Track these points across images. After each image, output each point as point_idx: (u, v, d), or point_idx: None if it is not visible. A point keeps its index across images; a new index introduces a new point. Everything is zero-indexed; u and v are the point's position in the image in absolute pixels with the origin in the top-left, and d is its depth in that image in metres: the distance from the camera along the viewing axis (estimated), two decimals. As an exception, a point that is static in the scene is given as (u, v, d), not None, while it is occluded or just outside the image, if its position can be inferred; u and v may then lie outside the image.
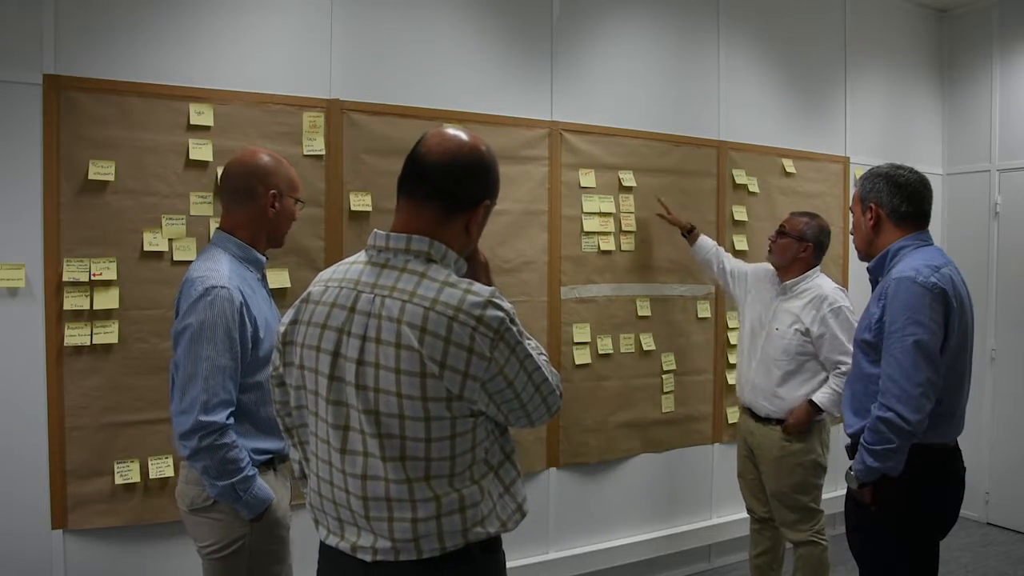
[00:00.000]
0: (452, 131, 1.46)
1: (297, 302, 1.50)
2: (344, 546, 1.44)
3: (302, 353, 1.44)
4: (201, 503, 1.93)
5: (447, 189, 1.42)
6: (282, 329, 1.50)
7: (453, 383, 1.32)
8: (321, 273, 1.54)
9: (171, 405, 2.01)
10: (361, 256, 1.47)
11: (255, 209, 2.02)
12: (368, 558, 1.41)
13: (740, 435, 3.24)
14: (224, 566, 1.94)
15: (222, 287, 1.87)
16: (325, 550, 1.52)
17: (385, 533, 1.39)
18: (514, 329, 1.37)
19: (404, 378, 1.32)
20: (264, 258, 2.08)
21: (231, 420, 1.87)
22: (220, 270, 1.91)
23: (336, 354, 1.39)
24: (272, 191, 2.02)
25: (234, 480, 1.85)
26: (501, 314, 1.34)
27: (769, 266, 3.18)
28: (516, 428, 1.49)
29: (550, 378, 1.45)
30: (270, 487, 1.96)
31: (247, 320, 1.92)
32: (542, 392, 1.43)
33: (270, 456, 2.01)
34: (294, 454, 1.58)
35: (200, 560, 1.99)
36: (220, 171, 2.17)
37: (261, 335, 1.96)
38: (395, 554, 1.39)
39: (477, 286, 1.36)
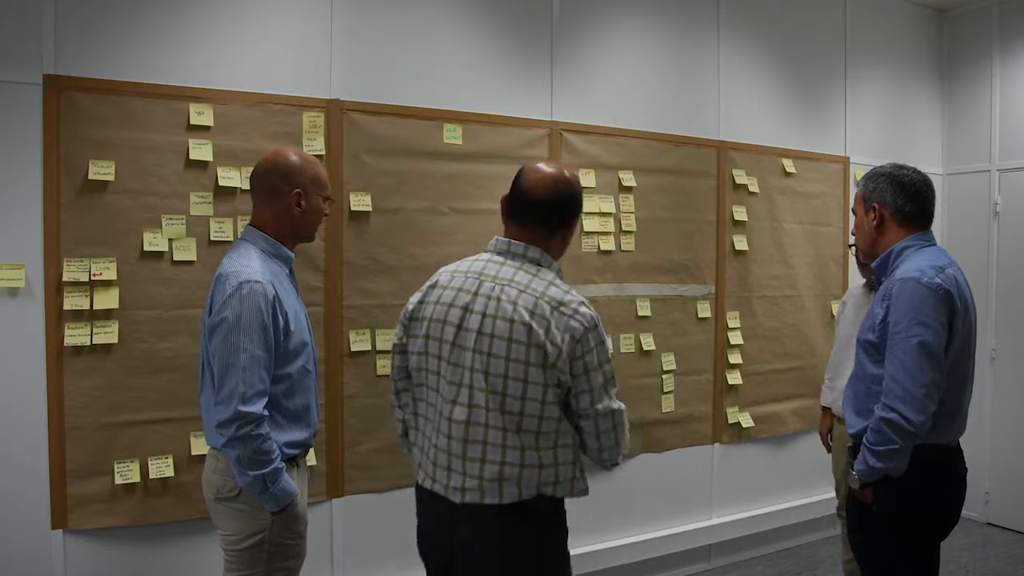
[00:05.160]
0: (546, 168, 1.83)
1: (425, 287, 1.86)
2: (438, 488, 1.75)
3: (428, 326, 1.79)
4: (226, 493, 1.98)
5: (550, 216, 1.81)
6: (410, 307, 1.86)
7: (551, 354, 1.65)
8: (446, 266, 1.89)
9: (200, 397, 2.08)
10: (483, 255, 1.83)
11: (280, 207, 2.07)
12: (458, 499, 1.71)
13: (839, 444, 3.16)
14: (244, 557, 1.98)
15: (255, 281, 1.93)
16: (421, 493, 1.83)
17: (475, 473, 1.69)
18: (601, 329, 1.71)
19: (514, 346, 1.67)
20: (292, 254, 2.14)
21: (266, 411, 1.92)
22: (252, 265, 1.97)
23: (459, 327, 1.73)
24: (296, 190, 2.06)
25: (264, 471, 1.90)
26: (593, 312, 1.71)
27: (860, 283, 3.22)
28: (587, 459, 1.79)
29: (624, 414, 1.75)
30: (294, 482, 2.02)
31: (279, 314, 1.97)
32: (614, 424, 1.73)
33: (297, 450, 2.07)
34: (399, 414, 1.94)
35: (213, 555, 2.04)
36: (218, 170, 2.12)
37: (292, 328, 2.02)
38: (480, 495, 1.69)
39: (575, 290, 1.75)
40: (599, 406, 1.70)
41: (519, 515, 1.70)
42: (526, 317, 1.67)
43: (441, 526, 1.78)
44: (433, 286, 1.84)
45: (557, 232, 1.83)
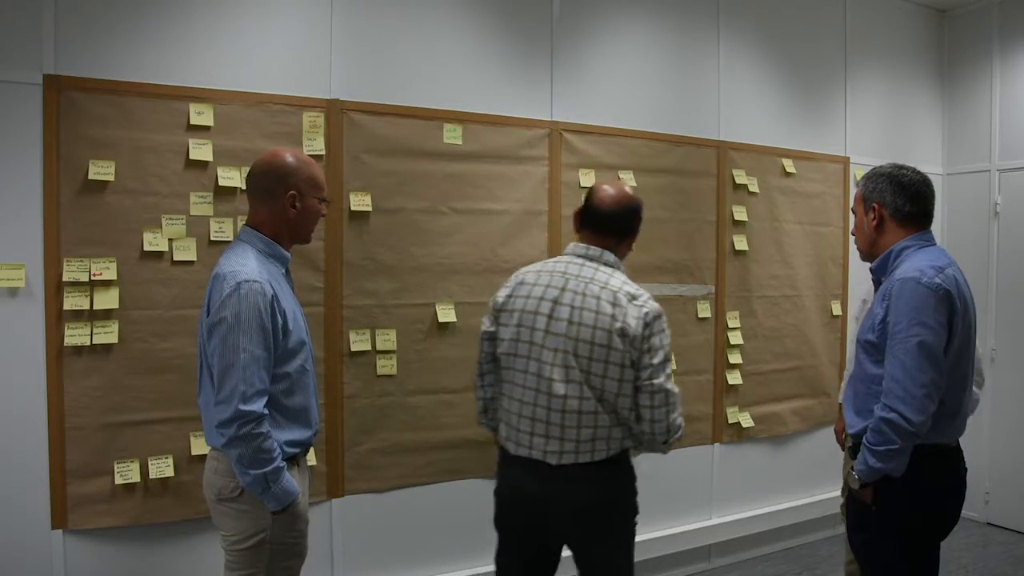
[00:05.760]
0: (613, 187, 2.22)
1: (512, 283, 2.22)
2: (535, 454, 2.08)
3: (521, 316, 2.13)
4: (228, 493, 1.98)
5: (619, 228, 2.21)
6: (500, 300, 2.21)
7: (624, 335, 2.02)
8: (528, 267, 2.25)
9: (199, 398, 2.08)
10: (563, 258, 2.20)
11: (276, 208, 2.07)
12: (554, 461, 2.06)
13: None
14: (246, 557, 1.99)
15: (253, 281, 1.93)
16: (513, 460, 2.14)
17: (572, 438, 2.04)
18: (665, 320, 2.07)
19: (598, 332, 2.03)
20: (288, 254, 2.14)
21: (266, 410, 1.92)
22: (250, 265, 1.97)
23: (550, 316, 2.08)
24: (291, 192, 2.06)
25: (266, 470, 1.90)
26: (660, 308, 2.08)
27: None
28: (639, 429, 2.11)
29: (677, 397, 2.07)
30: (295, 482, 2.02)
31: (277, 313, 1.97)
32: (668, 402, 2.05)
33: (298, 449, 2.08)
34: (481, 393, 2.30)
35: (213, 555, 2.04)
36: (218, 170, 2.14)
37: (290, 327, 2.02)
38: (575, 456, 2.05)
39: (644, 289, 2.12)
40: (655, 381, 2.02)
41: (608, 469, 2.09)
42: (608, 308, 2.04)
43: (537, 486, 2.09)
44: (521, 283, 2.19)
45: (624, 240, 2.23)
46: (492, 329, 2.22)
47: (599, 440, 2.06)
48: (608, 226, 2.19)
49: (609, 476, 2.10)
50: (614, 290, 2.06)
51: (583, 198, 2.26)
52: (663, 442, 2.08)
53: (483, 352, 2.26)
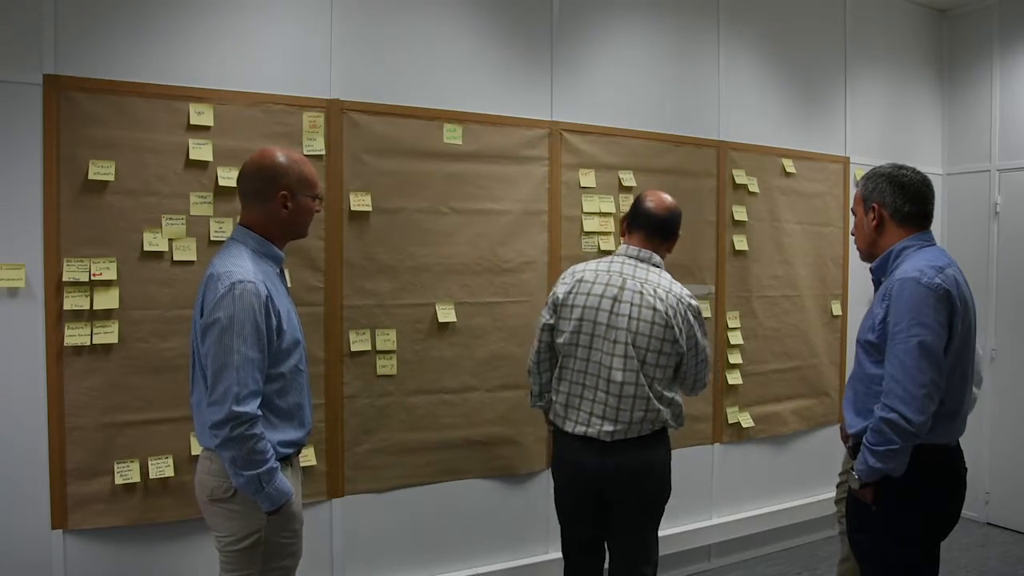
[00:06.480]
0: (658, 196, 2.54)
1: (571, 280, 2.50)
2: (592, 432, 2.41)
3: (583, 311, 2.43)
4: (221, 494, 1.97)
5: (667, 232, 2.54)
6: (560, 296, 2.50)
7: (675, 331, 2.39)
8: (584, 265, 2.54)
9: (191, 397, 2.07)
10: (617, 258, 2.51)
11: (268, 209, 2.06)
12: (608, 439, 2.39)
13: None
14: (240, 558, 1.99)
15: (248, 282, 1.92)
16: (572, 438, 2.45)
17: (625, 419, 2.38)
18: (703, 317, 2.50)
19: (655, 327, 2.38)
20: (282, 254, 2.14)
21: (259, 411, 1.91)
22: (244, 266, 1.96)
23: (611, 312, 2.40)
24: (283, 192, 2.05)
25: (259, 471, 1.90)
26: (699, 305, 2.49)
27: None
28: (679, 391, 2.53)
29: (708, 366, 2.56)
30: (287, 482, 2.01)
31: (272, 313, 1.97)
32: (706, 363, 2.53)
33: (291, 449, 2.07)
34: (537, 378, 2.59)
35: (213, 555, 2.03)
36: (218, 170, 2.13)
37: (284, 327, 2.01)
38: (625, 433, 2.39)
39: (687, 288, 2.49)
40: (701, 364, 2.49)
41: (650, 442, 2.43)
42: (662, 307, 2.38)
43: (595, 459, 2.41)
44: (581, 280, 2.48)
45: (667, 242, 2.55)
46: (552, 321, 2.52)
47: (647, 421, 2.39)
48: (658, 230, 2.50)
49: (653, 448, 2.44)
50: (667, 291, 2.41)
51: (631, 205, 2.57)
52: (702, 387, 2.54)
53: (541, 342, 2.55)
